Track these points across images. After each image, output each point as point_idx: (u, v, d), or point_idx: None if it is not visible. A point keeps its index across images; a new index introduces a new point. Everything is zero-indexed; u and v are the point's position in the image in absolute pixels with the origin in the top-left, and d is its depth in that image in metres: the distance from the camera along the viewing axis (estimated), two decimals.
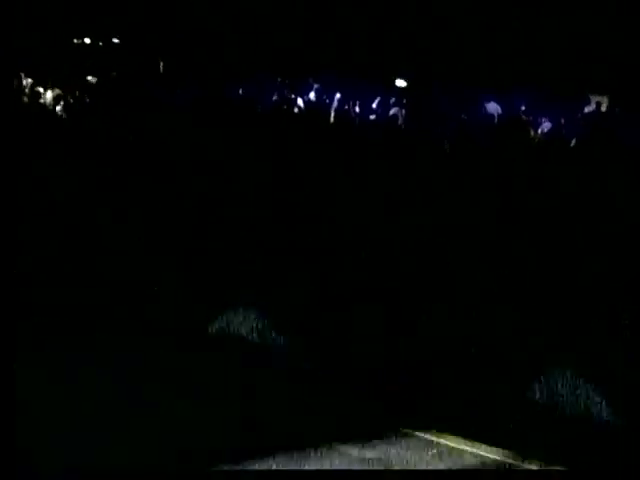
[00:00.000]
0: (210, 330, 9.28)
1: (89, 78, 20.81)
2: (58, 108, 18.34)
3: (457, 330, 8.14)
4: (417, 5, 21.00)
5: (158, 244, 10.48)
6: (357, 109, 19.59)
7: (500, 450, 7.09)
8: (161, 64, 21.45)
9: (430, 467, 6.45)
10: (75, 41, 24.45)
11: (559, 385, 7.17)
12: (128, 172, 13.55)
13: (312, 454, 6.80)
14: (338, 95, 19.95)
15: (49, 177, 13.10)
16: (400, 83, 20.54)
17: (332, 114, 19.33)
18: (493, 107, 18.57)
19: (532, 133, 17.32)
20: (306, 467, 6.50)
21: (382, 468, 6.52)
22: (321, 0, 22.41)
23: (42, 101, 19.07)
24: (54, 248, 10.54)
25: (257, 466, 6.47)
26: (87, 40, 24.71)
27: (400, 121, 18.26)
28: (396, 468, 6.45)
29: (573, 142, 15.18)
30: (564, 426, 7.05)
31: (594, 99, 18.15)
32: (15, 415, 4.00)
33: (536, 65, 19.60)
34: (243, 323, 9.20)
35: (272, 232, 10.80)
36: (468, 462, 6.81)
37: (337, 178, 13.17)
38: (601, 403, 6.87)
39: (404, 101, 18.80)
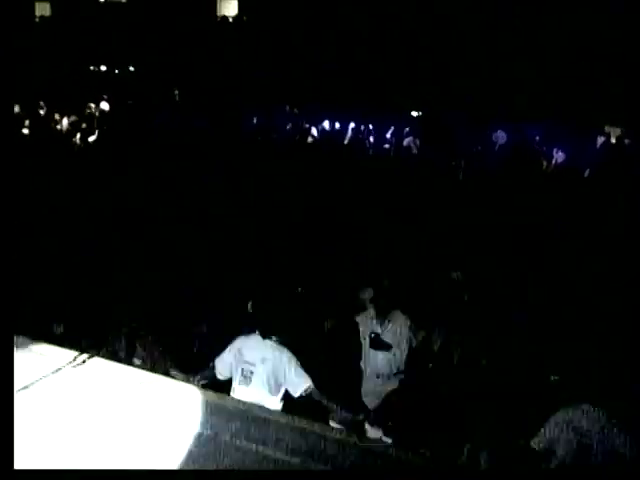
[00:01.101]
0: None
1: (103, 105, 20.99)
2: (73, 134, 18.51)
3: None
4: (432, 36, 21.11)
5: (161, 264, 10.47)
6: (371, 139, 19.66)
7: None
8: (176, 92, 21.60)
9: None
10: (92, 68, 24.68)
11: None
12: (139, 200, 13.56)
13: None
14: (352, 124, 20.04)
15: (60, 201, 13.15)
16: (414, 113, 20.61)
17: (346, 143, 19.45)
18: (506, 137, 18.63)
19: (545, 164, 17.39)
20: None
21: None
22: (335, 31, 22.58)
23: (58, 127, 19.23)
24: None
25: None
26: (103, 67, 24.94)
27: (414, 151, 18.34)
28: None
29: (587, 173, 15.23)
30: None
31: (608, 130, 18.21)
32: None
33: (551, 96, 19.67)
34: None
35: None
36: None
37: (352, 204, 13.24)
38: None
39: (418, 131, 18.90)
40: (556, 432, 5.71)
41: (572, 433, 5.65)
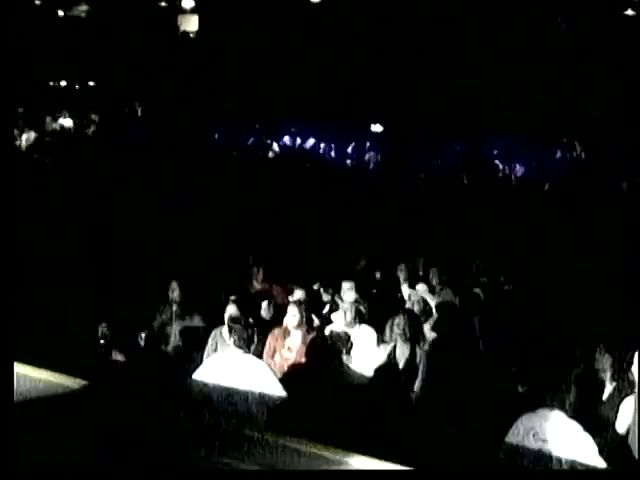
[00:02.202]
0: None
1: (63, 120, 20.87)
2: (33, 150, 18.43)
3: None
4: (393, 50, 21.30)
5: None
6: (332, 153, 19.78)
7: None
8: (139, 108, 21.55)
9: None
10: (51, 83, 24.54)
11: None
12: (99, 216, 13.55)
13: None
14: (313, 140, 20.17)
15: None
16: (375, 128, 20.76)
17: (307, 158, 19.54)
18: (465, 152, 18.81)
19: (505, 177, 17.64)
20: None
21: None
22: (296, 46, 22.70)
23: (17, 143, 19.08)
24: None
25: None
26: (63, 82, 24.81)
27: (375, 165, 18.49)
28: None
29: (547, 186, 15.49)
30: None
31: (568, 143, 18.50)
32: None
33: (511, 110, 19.94)
34: None
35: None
36: None
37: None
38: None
39: (379, 146, 19.07)
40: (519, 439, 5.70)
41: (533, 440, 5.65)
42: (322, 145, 20.01)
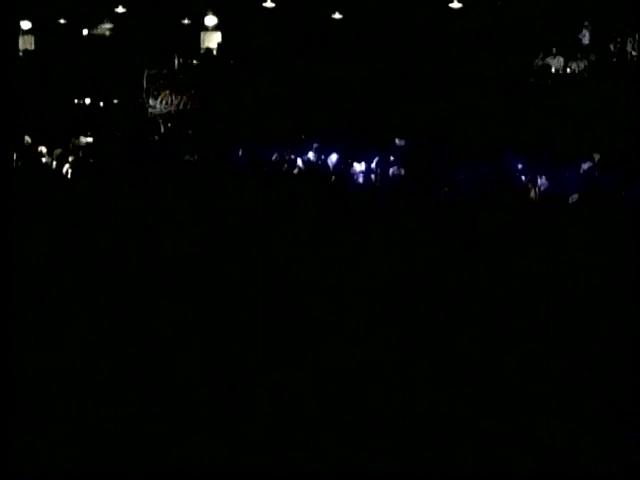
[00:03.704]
0: None
1: (89, 138, 21.00)
2: (59, 167, 18.57)
3: None
4: (415, 63, 21.34)
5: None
6: (357, 168, 19.74)
7: None
8: (162, 126, 21.66)
9: None
10: (76, 101, 24.75)
11: None
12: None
13: None
14: (336, 155, 20.13)
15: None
16: (399, 142, 20.69)
17: (331, 174, 19.53)
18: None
19: (529, 191, 17.55)
20: None
21: None
22: (319, 60, 22.80)
23: (44, 160, 19.26)
24: None
25: None
26: (87, 100, 25.01)
27: (399, 180, 18.46)
28: None
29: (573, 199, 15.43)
30: None
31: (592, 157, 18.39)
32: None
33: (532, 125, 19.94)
34: None
35: None
36: None
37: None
38: None
39: (403, 160, 19.04)
40: None
41: None
42: (345, 160, 19.96)
